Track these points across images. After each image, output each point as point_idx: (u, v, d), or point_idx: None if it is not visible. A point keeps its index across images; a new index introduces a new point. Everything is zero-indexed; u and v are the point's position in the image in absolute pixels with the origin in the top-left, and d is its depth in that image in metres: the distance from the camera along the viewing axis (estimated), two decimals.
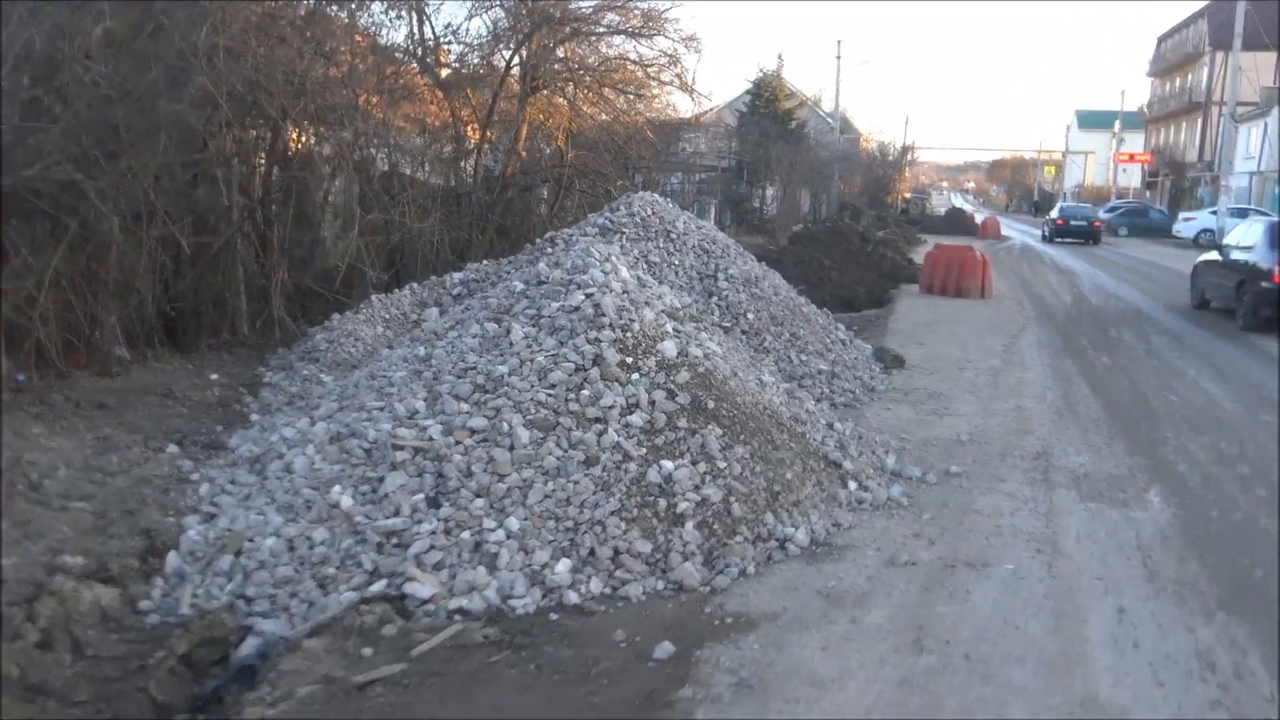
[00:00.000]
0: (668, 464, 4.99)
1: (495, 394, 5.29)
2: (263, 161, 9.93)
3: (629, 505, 4.76)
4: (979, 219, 43.19)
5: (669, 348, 5.68)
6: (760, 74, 37.57)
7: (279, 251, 9.04)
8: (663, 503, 4.81)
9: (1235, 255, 14.25)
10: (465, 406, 5.22)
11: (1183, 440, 7.38)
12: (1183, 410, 8.43)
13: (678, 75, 15.53)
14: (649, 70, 15.23)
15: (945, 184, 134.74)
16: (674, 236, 9.70)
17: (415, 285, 10.06)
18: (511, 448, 4.94)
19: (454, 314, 7.19)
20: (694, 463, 5.06)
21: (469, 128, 14.64)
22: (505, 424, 5.04)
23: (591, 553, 4.52)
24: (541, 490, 4.75)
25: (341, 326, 8.90)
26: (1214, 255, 15.56)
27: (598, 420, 5.15)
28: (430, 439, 5.04)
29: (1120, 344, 12.10)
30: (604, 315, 5.69)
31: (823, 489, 5.49)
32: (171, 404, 7.82)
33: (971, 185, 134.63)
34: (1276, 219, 14.60)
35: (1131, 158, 63.14)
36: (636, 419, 5.18)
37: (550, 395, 5.24)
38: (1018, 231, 44.50)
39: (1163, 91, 61.70)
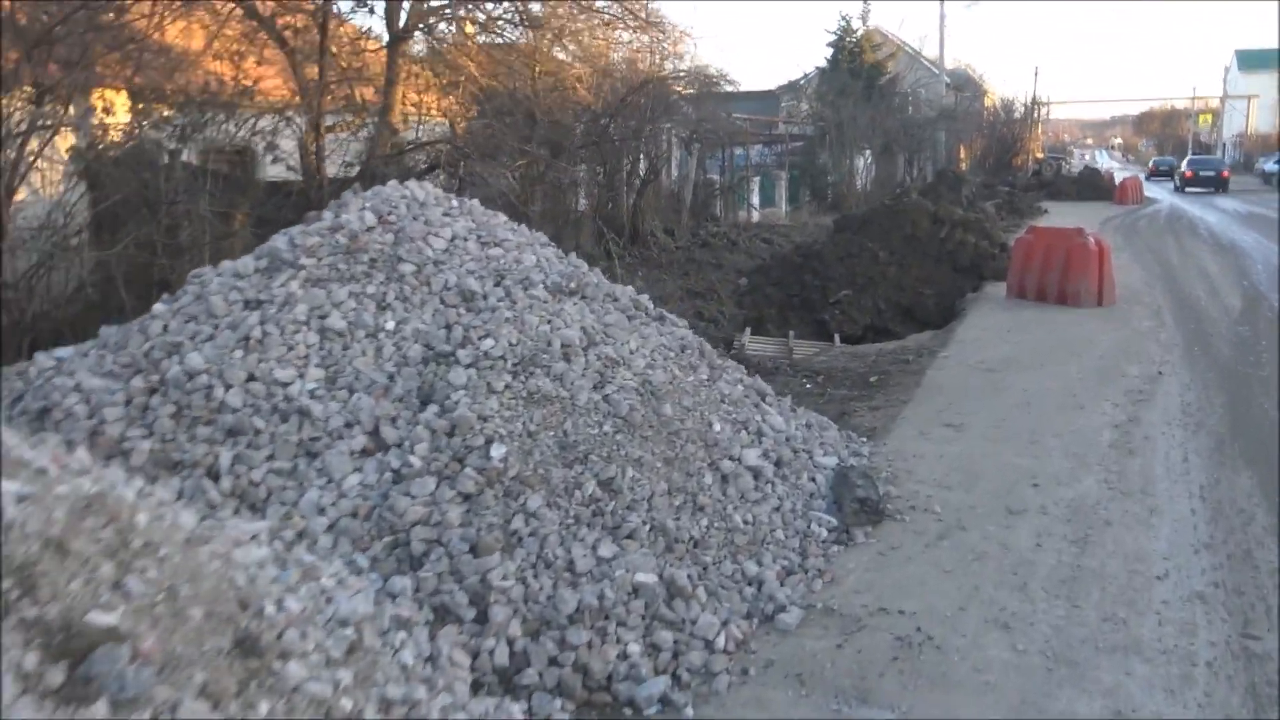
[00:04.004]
0: None
1: None
2: None
3: None
4: (1119, 179, 35.95)
5: None
6: (843, 21, 31.88)
7: None
8: None
9: (1182, 169, 41.04)
10: None
11: None
12: None
13: (624, 5, 10.61)
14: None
15: (1090, 140, 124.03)
16: (409, 271, 4.89)
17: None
18: None
19: None
20: None
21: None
22: None
23: None
24: None
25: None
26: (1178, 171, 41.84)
27: None
28: None
29: None
30: None
31: None
32: None
33: (1119, 141, 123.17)
34: (1192, 157, 45.05)
35: None
36: None
37: None
38: (1166, 193, 37.26)
39: None
